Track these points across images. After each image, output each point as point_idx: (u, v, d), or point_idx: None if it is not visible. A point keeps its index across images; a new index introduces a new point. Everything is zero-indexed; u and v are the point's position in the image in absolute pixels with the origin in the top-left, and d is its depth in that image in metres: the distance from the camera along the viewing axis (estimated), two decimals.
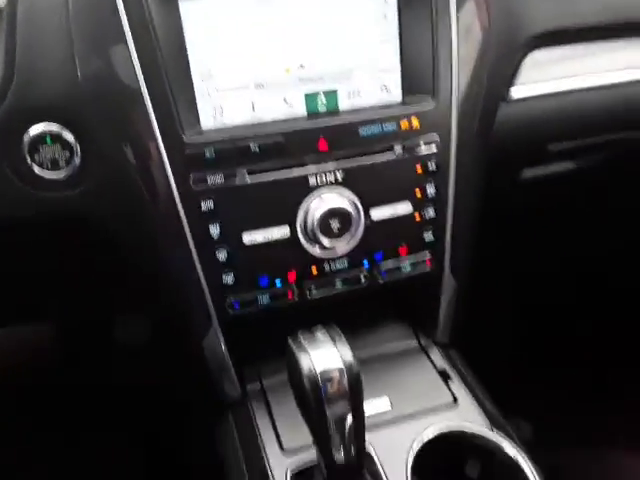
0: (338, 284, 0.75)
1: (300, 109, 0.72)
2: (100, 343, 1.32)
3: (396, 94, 0.76)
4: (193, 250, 0.68)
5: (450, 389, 0.78)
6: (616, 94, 0.91)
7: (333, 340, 0.54)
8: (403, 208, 0.75)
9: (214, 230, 0.68)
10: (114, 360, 1.31)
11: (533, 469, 0.67)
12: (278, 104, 0.71)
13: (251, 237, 0.69)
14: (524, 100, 0.84)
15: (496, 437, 0.70)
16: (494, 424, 0.73)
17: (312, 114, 0.73)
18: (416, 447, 0.68)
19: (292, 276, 0.73)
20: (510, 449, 0.69)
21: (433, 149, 0.74)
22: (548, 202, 1.17)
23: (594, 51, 0.88)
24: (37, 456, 1.27)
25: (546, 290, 1.51)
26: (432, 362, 0.84)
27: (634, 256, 1.51)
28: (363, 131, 0.71)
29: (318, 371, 0.52)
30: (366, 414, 0.73)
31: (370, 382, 0.78)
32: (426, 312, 0.87)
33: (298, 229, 0.71)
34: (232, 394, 0.80)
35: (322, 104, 0.73)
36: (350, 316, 0.82)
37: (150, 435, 1.33)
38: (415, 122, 0.73)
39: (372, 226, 0.74)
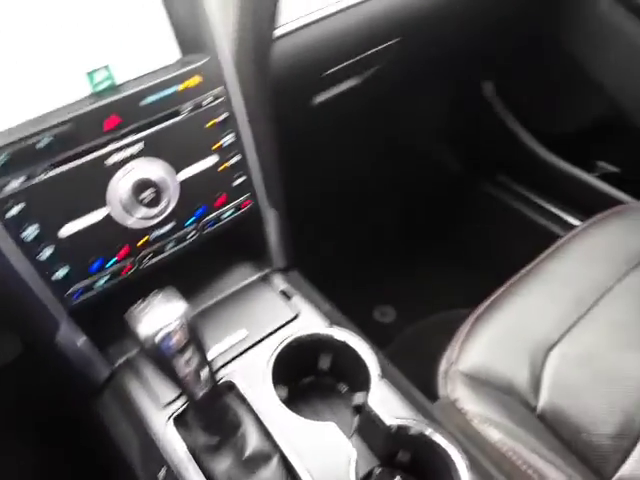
0: (169, 247, 0.80)
1: (84, 90, 0.73)
2: None
3: (174, 56, 0.79)
4: (19, 254, 0.69)
5: (292, 305, 0.89)
6: (358, 13, 1.02)
7: (166, 299, 0.60)
8: (209, 161, 0.81)
9: (31, 231, 0.68)
10: None
11: (370, 350, 0.79)
12: (61, 89, 0.71)
13: (70, 229, 0.71)
14: (288, 35, 0.91)
15: (335, 331, 0.82)
16: (334, 322, 0.86)
17: (96, 93, 0.74)
18: (272, 360, 0.79)
19: (122, 253, 0.76)
20: (344, 335, 0.81)
21: (219, 100, 0.79)
22: (340, 120, 1.30)
23: None
24: None
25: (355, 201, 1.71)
26: (274, 287, 0.94)
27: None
28: (148, 100, 0.73)
29: (152, 334, 0.57)
30: (228, 345, 0.83)
31: (227, 319, 0.88)
32: (258, 244, 0.96)
33: (114, 208, 0.73)
34: (103, 375, 0.83)
35: (102, 80, 0.74)
36: (192, 271, 0.89)
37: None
38: (195, 79, 0.76)
39: (185, 186, 0.79)
